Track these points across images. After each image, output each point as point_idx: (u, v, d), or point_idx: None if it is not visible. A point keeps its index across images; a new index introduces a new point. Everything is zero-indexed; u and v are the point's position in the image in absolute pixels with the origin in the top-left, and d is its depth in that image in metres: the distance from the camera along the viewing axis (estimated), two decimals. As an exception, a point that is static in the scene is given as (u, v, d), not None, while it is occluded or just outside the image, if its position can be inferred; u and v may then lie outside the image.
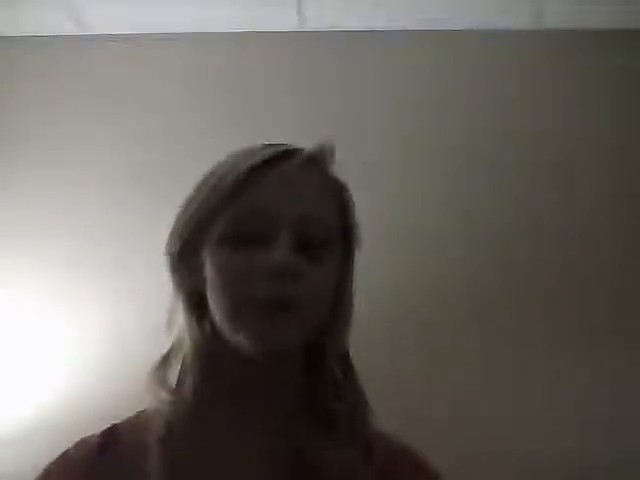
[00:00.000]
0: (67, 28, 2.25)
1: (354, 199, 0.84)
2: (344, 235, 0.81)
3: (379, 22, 2.24)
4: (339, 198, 0.81)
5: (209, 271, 0.76)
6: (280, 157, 0.78)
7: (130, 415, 0.85)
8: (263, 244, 0.74)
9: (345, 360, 0.82)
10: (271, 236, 0.74)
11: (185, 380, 0.78)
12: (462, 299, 2.08)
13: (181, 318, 0.80)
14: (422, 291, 2.05)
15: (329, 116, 2.22)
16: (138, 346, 2.04)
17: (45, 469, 0.81)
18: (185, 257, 0.79)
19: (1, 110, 2.23)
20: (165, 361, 0.81)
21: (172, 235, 0.81)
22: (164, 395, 0.78)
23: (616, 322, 2.06)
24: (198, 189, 0.80)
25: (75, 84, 2.25)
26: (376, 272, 1.75)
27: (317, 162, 0.80)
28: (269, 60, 2.27)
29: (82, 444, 0.83)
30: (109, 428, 0.84)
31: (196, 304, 0.79)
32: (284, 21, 2.23)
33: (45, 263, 2.12)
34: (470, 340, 2.05)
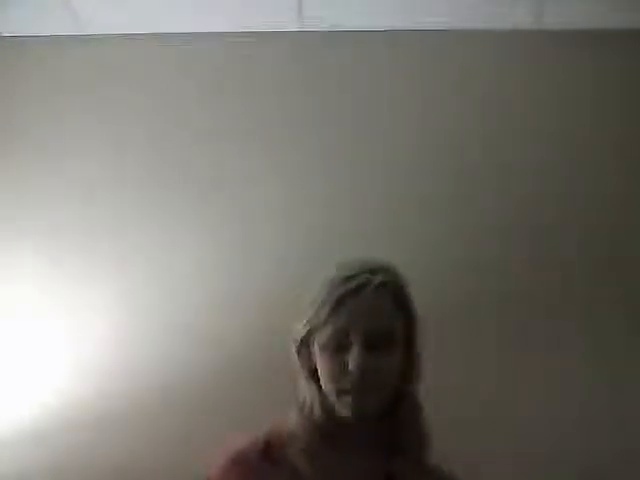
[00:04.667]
0: (67, 28, 2.25)
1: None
2: (407, 328, 1.22)
3: (379, 22, 2.24)
4: (401, 306, 1.22)
5: (318, 361, 1.20)
6: (358, 288, 1.18)
7: (273, 427, 1.25)
8: (348, 349, 1.16)
9: (416, 408, 1.25)
10: (352, 344, 1.16)
11: (310, 420, 1.22)
12: (462, 299, 2.08)
13: (303, 383, 1.24)
14: (422, 291, 2.05)
15: (329, 116, 2.22)
16: (138, 346, 2.05)
17: (225, 460, 1.20)
18: (302, 348, 1.23)
19: (1, 110, 2.23)
20: (300, 409, 1.23)
21: (295, 332, 1.23)
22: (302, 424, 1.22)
23: (616, 322, 2.06)
24: (311, 305, 1.21)
25: (75, 84, 2.25)
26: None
27: (383, 287, 1.20)
28: (269, 60, 2.27)
29: (252, 445, 1.22)
30: (265, 437, 1.23)
31: (314, 374, 1.22)
32: (284, 21, 2.23)
33: (45, 262, 2.12)
34: (470, 340, 2.05)
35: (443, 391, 2.01)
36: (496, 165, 2.18)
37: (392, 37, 2.26)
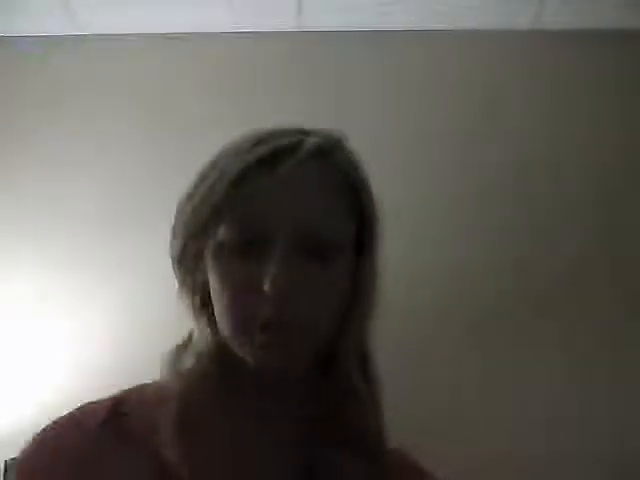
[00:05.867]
0: (67, 28, 2.25)
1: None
2: (360, 230, 0.75)
3: (379, 22, 2.24)
4: (351, 193, 0.74)
5: (210, 278, 0.73)
6: (279, 152, 0.71)
7: (132, 387, 0.81)
8: (260, 255, 0.69)
9: (366, 368, 0.77)
10: (267, 247, 0.68)
11: (198, 370, 0.75)
12: (461, 299, 2.08)
13: (184, 315, 0.78)
14: (420, 292, 2.05)
15: (328, 116, 2.21)
16: (138, 346, 2.05)
17: (49, 427, 0.75)
18: (186, 261, 0.75)
19: (1, 110, 2.23)
20: (180, 351, 0.78)
21: (171, 240, 0.77)
22: (179, 376, 0.75)
23: (617, 322, 2.06)
24: (190, 196, 0.74)
25: (74, 84, 2.25)
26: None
27: (322, 157, 0.73)
28: (269, 60, 2.27)
29: (90, 409, 0.77)
30: (116, 397, 0.79)
31: (202, 303, 0.75)
32: (284, 21, 2.23)
33: (45, 263, 2.12)
34: (469, 340, 2.05)
35: (442, 391, 2.02)
36: (496, 165, 2.18)
37: (392, 37, 2.26)
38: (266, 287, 0.66)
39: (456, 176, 2.17)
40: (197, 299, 0.75)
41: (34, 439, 0.75)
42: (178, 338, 0.81)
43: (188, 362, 0.75)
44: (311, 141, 0.73)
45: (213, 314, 0.73)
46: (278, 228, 0.68)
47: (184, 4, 2.18)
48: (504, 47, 2.26)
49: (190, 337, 0.78)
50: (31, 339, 2.06)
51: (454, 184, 2.16)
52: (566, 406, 2.01)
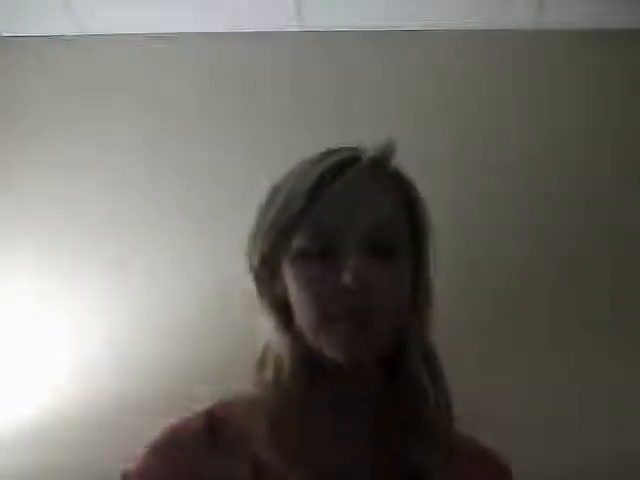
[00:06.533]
0: (67, 28, 2.25)
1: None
2: (415, 233, 0.85)
3: (379, 22, 2.24)
4: (405, 198, 0.86)
5: (289, 283, 0.81)
6: (342, 166, 0.81)
7: (220, 400, 0.89)
8: (334, 257, 0.78)
9: (431, 364, 0.85)
10: (341, 249, 0.79)
11: (280, 379, 0.82)
12: (461, 299, 2.07)
13: (267, 322, 0.85)
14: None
15: (328, 116, 2.22)
16: (138, 346, 2.05)
17: (151, 446, 0.84)
18: (265, 270, 0.84)
19: (1, 110, 2.23)
20: (261, 364, 0.85)
21: (250, 250, 0.86)
22: (264, 391, 0.82)
23: (617, 322, 2.06)
24: (267, 207, 0.84)
25: (75, 84, 2.25)
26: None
27: (380, 165, 0.84)
28: (269, 60, 2.27)
29: (188, 421, 0.85)
30: (208, 412, 0.86)
31: (281, 309, 0.83)
32: (284, 21, 2.23)
33: (45, 262, 2.12)
34: (469, 340, 2.05)
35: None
36: (495, 164, 2.18)
37: (392, 37, 2.26)
38: (347, 280, 0.75)
39: (456, 176, 2.17)
40: (277, 310, 0.84)
41: (144, 452, 0.84)
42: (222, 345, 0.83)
43: (269, 373, 0.83)
44: (369, 153, 0.84)
45: (293, 324, 0.82)
46: (348, 231, 0.79)
47: (184, 4, 2.18)
48: (504, 47, 2.26)
49: (267, 347, 0.85)
50: (31, 339, 2.06)
51: (454, 184, 2.16)
52: (566, 406, 2.01)
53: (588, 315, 2.06)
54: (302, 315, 0.80)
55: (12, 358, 2.05)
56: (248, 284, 0.87)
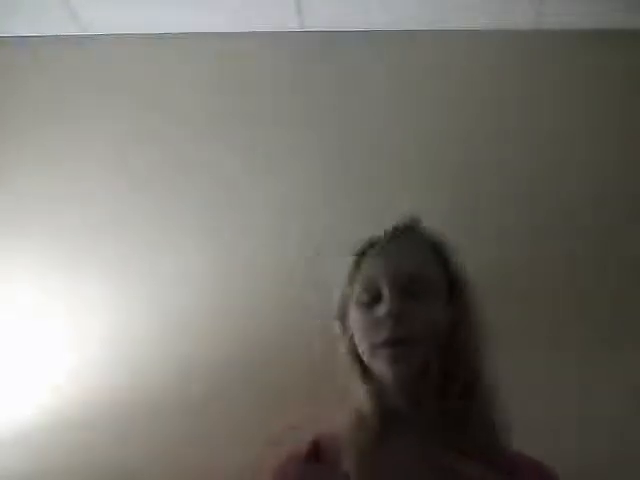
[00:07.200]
0: (67, 28, 2.25)
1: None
2: (452, 282, 1.12)
3: (379, 22, 2.24)
4: (440, 254, 1.14)
5: (353, 327, 1.08)
6: (388, 234, 1.14)
7: (321, 431, 1.12)
8: (378, 301, 1.05)
9: (474, 388, 1.10)
10: (381, 295, 1.05)
11: (362, 418, 1.06)
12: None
13: (347, 369, 1.10)
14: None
15: (328, 116, 2.22)
16: (138, 346, 2.05)
17: (279, 463, 1.11)
18: (341, 320, 1.12)
19: (1, 110, 2.23)
20: (343, 396, 1.09)
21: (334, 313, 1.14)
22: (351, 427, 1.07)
23: (617, 322, 2.06)
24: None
25: (74, 84, 2.25)
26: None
27: (411, 232, 1.15)
28: (269, 60, 2.27)
29: (299, 448, 1.11)
30: (313, 440, 1.11)
31: (356, 356, 1.09)
32: (284, 21, 2.23)
33: (45, 262, 2.12)
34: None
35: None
36: (496, 164, 2.18)
37: (392, 37, 2.26)
38: (383, 312, 1.03)
39: (456, 176, 2.17)
40: (351, 356, 1.09)
41: (273, 471, 1.11)
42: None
43: (353, 412, 1.08)
44: (401, 223, 1.16)
45: (365, 369, 1.07)
46: (385, 280, 1.06)
47: (184, 4, 2.18)
48: (504, 47, 2.26)
49: (346, 392, 1.09)
50: (31, 339, 2.06)
51: (454, 184, 2.16)
52: (566, 406, 2.01)
53: (588, 315, 2.06)
54: (360, 345, 1.06)
55: (12, 358, 2.05)
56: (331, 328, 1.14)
